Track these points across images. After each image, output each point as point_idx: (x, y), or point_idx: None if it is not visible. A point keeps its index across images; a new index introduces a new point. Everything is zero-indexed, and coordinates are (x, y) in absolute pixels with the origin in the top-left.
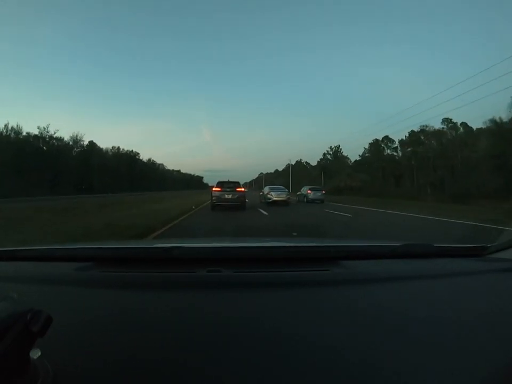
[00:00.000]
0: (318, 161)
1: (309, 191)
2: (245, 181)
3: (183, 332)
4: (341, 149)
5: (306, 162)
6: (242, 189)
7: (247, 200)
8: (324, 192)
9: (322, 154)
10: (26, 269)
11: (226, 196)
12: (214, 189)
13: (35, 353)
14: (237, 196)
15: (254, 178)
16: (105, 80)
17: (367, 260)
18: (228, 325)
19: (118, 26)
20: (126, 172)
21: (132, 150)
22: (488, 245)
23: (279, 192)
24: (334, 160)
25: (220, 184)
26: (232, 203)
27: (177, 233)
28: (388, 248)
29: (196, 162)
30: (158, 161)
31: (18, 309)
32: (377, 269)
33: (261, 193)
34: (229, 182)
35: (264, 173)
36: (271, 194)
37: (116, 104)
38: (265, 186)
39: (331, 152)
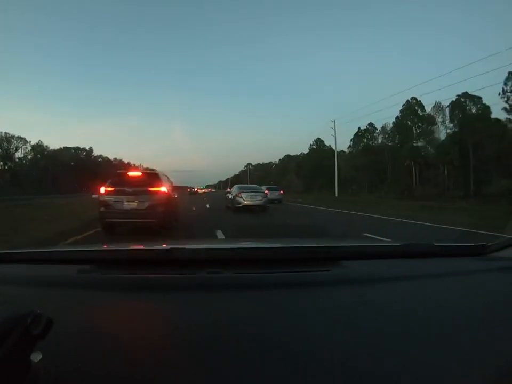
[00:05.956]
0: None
1: (266, 191)
2: (219, 180)
3: (184, 333)
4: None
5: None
6: (165, 190)
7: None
8: (282, 192)
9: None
10: (26, 272)
11: (126, 203)
12: (103, 189)
13: (36, 357)
14: (147, 204)
15: (237, 173)
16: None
17: (367, 260)
18: (229, 327)
19: (77, 14)
20: None
21: None
22: (488, 244)
23: (253, 194)
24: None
25: (117, 179)
26: (137, 220)
27: None
28: (389, 248)
29: (163, 162)
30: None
31: (18, 312)
32: (378, 269)
33: (228, 195)
34: (135, 176)
35: (253, 164)
36: (241, 197)
37: (69, 98)
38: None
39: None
